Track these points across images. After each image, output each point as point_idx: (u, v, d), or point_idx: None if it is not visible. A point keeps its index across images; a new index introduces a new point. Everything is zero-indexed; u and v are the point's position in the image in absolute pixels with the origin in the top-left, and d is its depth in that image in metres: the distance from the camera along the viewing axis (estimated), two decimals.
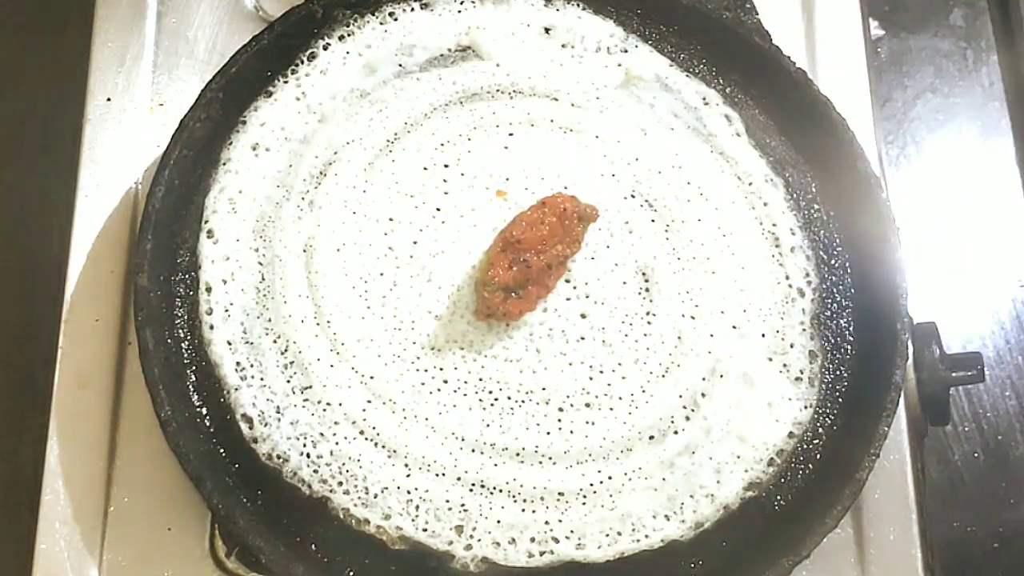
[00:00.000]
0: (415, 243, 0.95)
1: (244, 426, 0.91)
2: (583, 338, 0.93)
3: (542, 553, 0.88)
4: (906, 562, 0.96)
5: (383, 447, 0.90)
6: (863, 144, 0.98)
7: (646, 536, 0.89)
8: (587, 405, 0.92)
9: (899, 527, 0.97)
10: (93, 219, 1.04)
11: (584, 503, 0.90)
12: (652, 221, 0.97)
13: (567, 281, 0.94)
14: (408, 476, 0.89)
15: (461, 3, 1.04)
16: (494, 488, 0.89)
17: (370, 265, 0.95)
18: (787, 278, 0.97)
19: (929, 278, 1.04)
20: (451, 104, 1.00)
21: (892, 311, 0.93)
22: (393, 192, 0.97)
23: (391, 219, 0.96)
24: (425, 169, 0.98)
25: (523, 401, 0.91)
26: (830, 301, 0.97)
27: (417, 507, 0.89)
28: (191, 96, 0.97)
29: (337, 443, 0.90)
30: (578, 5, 1.04)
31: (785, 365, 0.95)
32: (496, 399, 0.91)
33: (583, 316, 0.94)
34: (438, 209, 0.96)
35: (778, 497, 0.92)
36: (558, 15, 1.04)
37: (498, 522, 0.89)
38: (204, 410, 0.93)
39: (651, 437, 0.92)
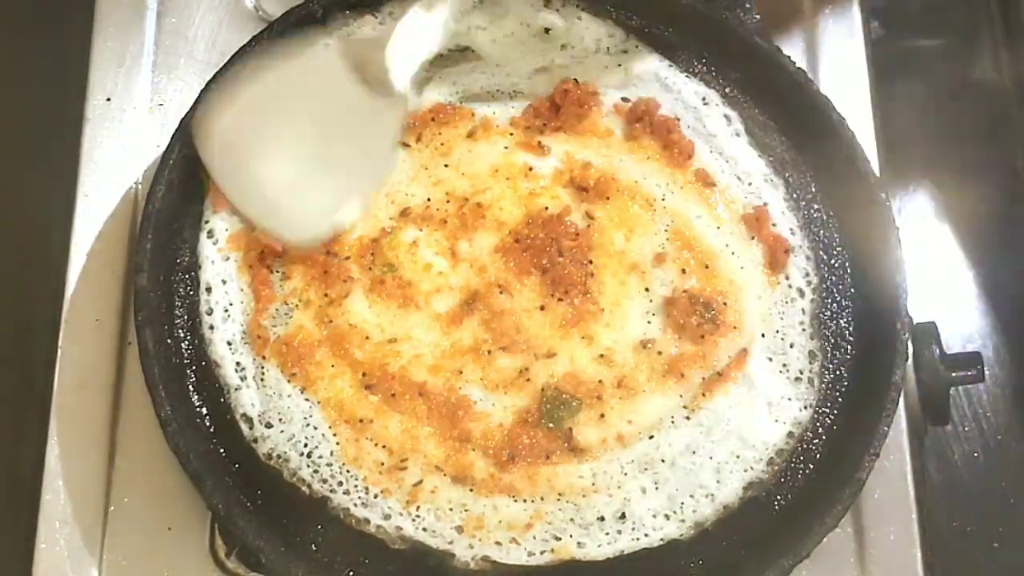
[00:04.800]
0: (415, 242, 0.95)
1: (244, 426, 0.91)
2: (584, 337, 0.93)
3: (543, 552, 0.88)
4: (906, 562, 0.96)
5: (383, 447, 0.90)
6: (863, 144, 0.98)
7: (646, 535, 0.89)
8: (588, 404, 0.92)
9: (899, 527, 0.97)
10: (93, 219, 1.04)
11: (584, 502, 0.90)
12: (652, 220, 0.97)
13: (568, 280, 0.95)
14: (409, 475, 0.89)
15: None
16: (495, 487, 0.89)
17: None
18: (787, 278, 0.97)
19: (929, 278, 1.04)
20: (451, 104, 1.00)
21: (892, 311, 0.93)
22: (393, 191, 0.97)
23: (391, 218, 0.96)
24: (425, 169, 0.98)
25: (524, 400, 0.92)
26: (830, 301, 0.97)
27: (418, 507, 0.89)
28: (191, 96, 0.97)
29: (338, 443, 0.90)
30: (577, 5, 1.04)
31: (785, 365, 0.95)
32: (499, 397, 0.91)
33: (584, 315, 0.94)
34: (437, 209, 0.96)
35: (778, 497, 0.92)
36: (558, 15, 1.04)
37: (499, 521, 0.89)
38: (204, 410, 0.93)
39: (651, 437, 0.92)
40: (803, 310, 0.97)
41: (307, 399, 0.91)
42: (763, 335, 0.95)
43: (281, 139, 0.93)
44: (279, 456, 0.90)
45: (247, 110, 0.92)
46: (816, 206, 1.00)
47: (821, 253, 0.99)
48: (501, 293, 0.94)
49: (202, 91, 0.96)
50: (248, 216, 0.93)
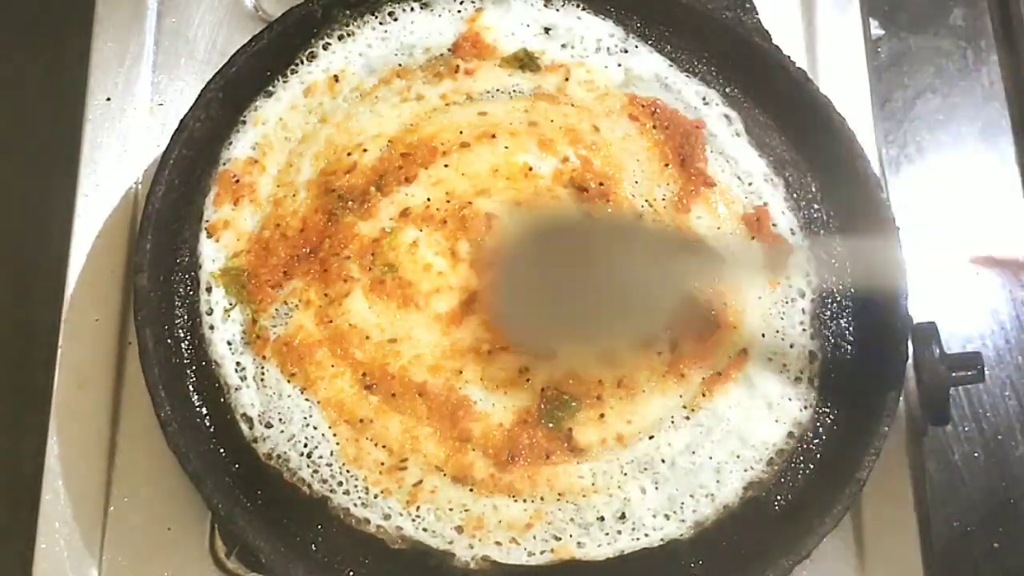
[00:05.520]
0: (415, 243, 0.95)
1: (244, 426, 0.91)
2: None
3: (543, 552, 0.88)
4: (906, 562, 0.96)
5: (383, 447, 0.90)
6: (863, 144, 0.98)
7: (646, 535, 0.89)
8: (588, 404, 0.91)
9: (899, 527, 0.97)
10: (93, 219, 1.04)
11: (584, 502, 0.90)
12: (652, 220, 0.97)
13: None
14: (409, 475, 0.89)
15: (461, 3, 1.04)
16: (495, 487, 0.89)
17: None
18: (787, 278, 0.97)
19: (929, 278, 1.04)
20: (451, 104, 1.00)
21: (892, 311, 0.93)
22: (393, 191, 0.97)
23: (391, 218, 0.96)
24: (425, 169, 0.98)
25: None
26: (830, 301, 0.97)
27: (418, 507, 0.89)
28: (191, 96, 0.97)
29: (337, 443, 0.90)
30: (578, 5, 1.04)
31: (785, 365, 0.95)
32: (499, 397, 0.91)
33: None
34: (437, 209, 0.96)
35: (778, 497, 0.92)
36: (558, 15, 1.04)
37: (499, 521, 0.89)
38: (204, 410, 0.93)
39: (651, 437, 0.92)
40: (803, 310, 0.97)
41: (307, 399, 0.91)
42: (763, 335, 0.95)
43: None
44: (279, 456, 0.90)
45: None
46: (816, 206, 1.00)
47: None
48: None
49: None
50: None
